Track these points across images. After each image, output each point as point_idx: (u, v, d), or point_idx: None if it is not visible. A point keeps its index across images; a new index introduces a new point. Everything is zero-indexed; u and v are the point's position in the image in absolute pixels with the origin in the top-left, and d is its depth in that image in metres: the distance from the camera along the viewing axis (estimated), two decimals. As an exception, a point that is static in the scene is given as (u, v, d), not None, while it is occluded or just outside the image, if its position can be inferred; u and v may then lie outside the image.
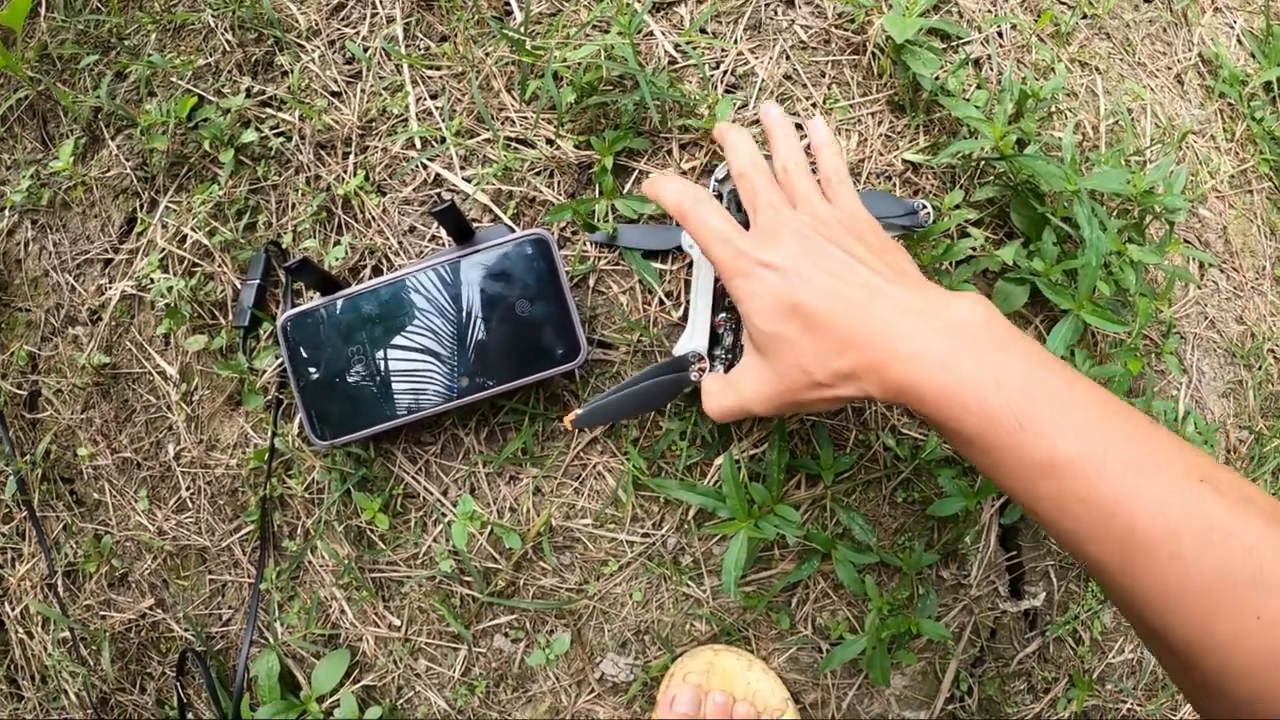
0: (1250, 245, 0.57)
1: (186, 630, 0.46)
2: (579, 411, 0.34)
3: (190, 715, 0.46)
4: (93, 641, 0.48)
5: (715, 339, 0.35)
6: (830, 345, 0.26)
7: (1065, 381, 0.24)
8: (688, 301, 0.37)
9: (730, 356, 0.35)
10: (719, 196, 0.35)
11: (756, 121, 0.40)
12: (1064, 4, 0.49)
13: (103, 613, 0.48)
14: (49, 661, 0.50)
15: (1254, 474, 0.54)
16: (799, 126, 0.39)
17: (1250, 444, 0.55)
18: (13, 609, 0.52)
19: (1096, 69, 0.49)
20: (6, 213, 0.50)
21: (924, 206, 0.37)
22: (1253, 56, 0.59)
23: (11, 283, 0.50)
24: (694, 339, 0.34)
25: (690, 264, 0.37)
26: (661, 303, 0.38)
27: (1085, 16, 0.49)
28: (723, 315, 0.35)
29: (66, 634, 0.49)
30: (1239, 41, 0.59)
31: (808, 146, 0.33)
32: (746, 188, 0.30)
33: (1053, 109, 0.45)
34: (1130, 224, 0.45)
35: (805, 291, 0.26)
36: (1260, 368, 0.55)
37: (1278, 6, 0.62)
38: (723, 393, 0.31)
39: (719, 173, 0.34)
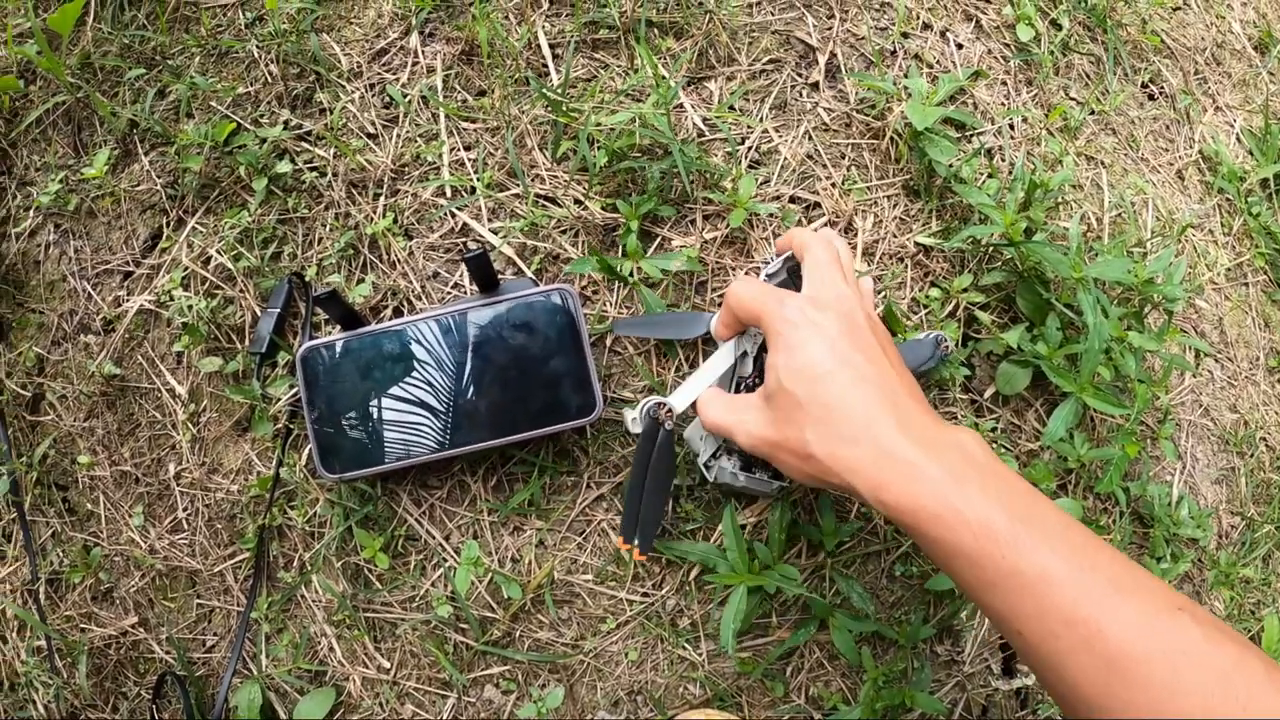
0: (1245, 336, 0.59)
1: (168, 653, 0.46)
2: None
3: (161, 740, 0.45)
4: (69, 653, 0.47)
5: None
6: (841, 433, 0.27)
7: (1054, 511, 0.25)
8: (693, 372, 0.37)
9: (747, 454, 0.35)
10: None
11: (778, 198, 0.42)
12: (1074, 100, 0.52)
13: (83, 625, 0.48)
14: (20, 669, 0.49)
15: (1245, 559, 0.56)
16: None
17: (1242, 529, 0.57)
18: (-12, 613, 0.51)
19: (1102, 163, 0.51)
20: (31, 213, 0.51)
21: (944, 339, 0.38)
22: (1251, 154, 0.62)
23: (28, 283, 0.51)
24: (678, 395, 0.34)
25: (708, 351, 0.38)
26: (679, 368, 0.39)
27: (1093, 112, 0.52)
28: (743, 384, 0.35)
29: (42, 643, 0.48)
30: (1238, 139, 0.62)
31: None
32: (812, 257, 0.30)
33: (1060, 200, 0.47)
34: (1131, 312, 0.47)
35: (840, 367, 0.26)
36: (1253, 455, 0.57)
37: (1276, 106, 0.66)
38: (722, 408, 0.31)
39: (769, 268, 0.35)
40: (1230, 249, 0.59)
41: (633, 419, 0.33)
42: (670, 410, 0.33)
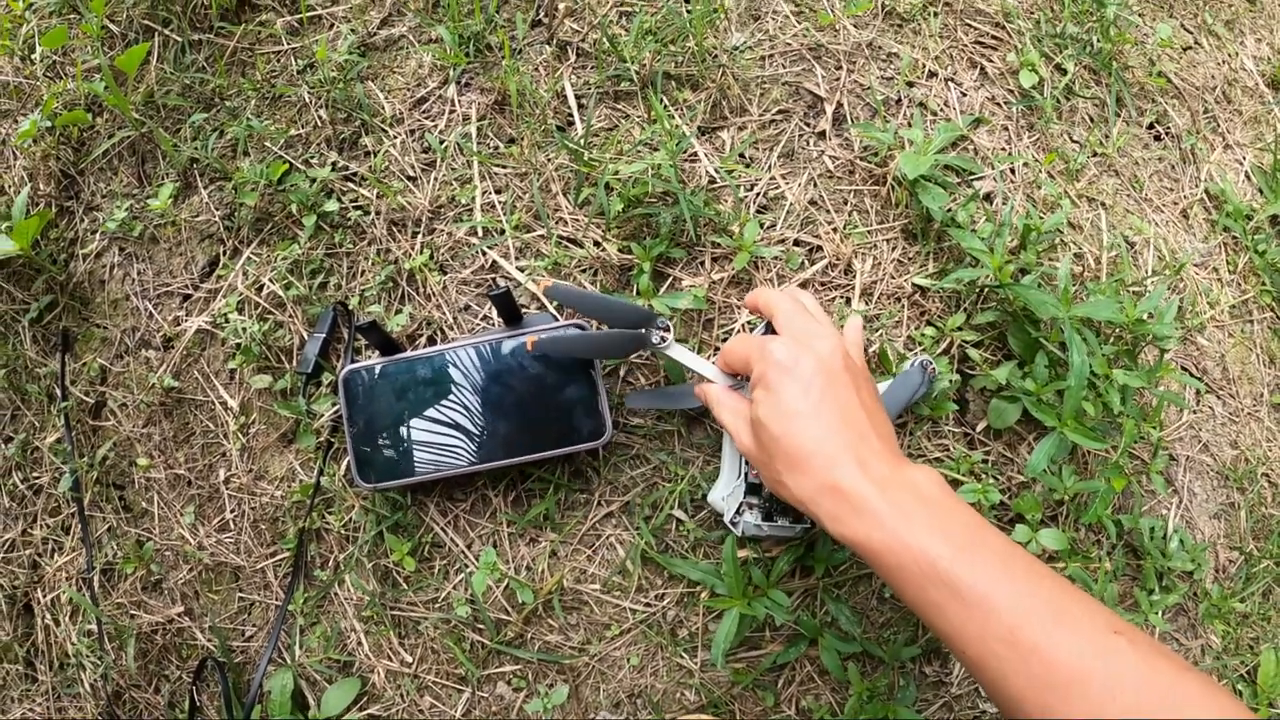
0: (1249, 373, 0.62)
1: (210, 640, 0.52)
2: (541, 337, 0.39)
3: (199, 719, 0.52)
4: (118, 636, 0.54)
5: (753, 488, 0.41)
6: (807, 470, 0.31)
7: (1000, 540, 0.30)
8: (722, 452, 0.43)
9: (769, 505, 0.41)
10: None
11: (781, 241, 0.47)
12: (1076, 143, 0.56)
13: (133, 612, 0.55)
14: (70, 650, 0.56)
15: (1243, 593, 0.59)
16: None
17: (1240, 564, 0.60)
18: (44, 595, 0.58)
19: (1103, 204, 0.55)
20: (97, 237, 0.58)
21: (929, 362, 0.43)
22: (1260, 192, 0.65)
23: (93, 300, 0.58)
24: (728, 485, 0.41)
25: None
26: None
27: (1095, 154, 0.56)
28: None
29: (93, 627, 0.56)
30: (1247, 177, 0.65)
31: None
32: (781, 311, 0.34)
33: (1057, 241, 0.52)
34: (1123, 349, 0.51)
35: (812, 409, 0.31)
36: (1253, 491, 0.60)
37: (1292, 144, 0.69)
38: (729, 412, 0.35)
39: (756, 333, 0.40)
40: (1235, 286, 0.62)
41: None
42: (666, 335, 0.39)
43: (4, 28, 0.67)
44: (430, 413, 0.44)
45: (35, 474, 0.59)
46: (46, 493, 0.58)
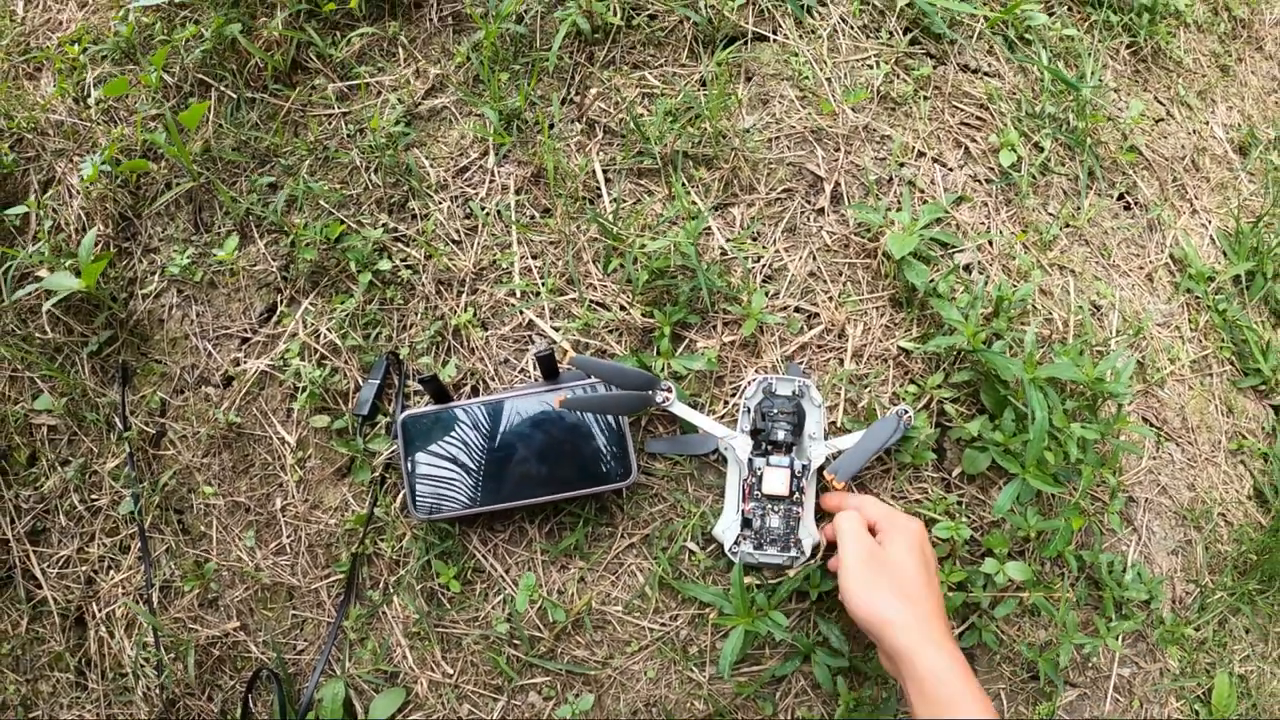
0: (1208, 422, 0.73)
1: (264, 653, 0.62)
2: (568, 395, 0.51)
3: (250, 726, 0.61)
4: (176, 648, 0.64)
5: (746, 522, 0.53)
6: (903, 596, 0.46)
7: (976, 687, 0.43)
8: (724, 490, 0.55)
9: (759, 538, 0.52)
10: (747, 412, 0.53)
11: (784, 309, 0.57)
12: (1050, 215, 0.67)
13: (190, 626, 0.64)
14: (126, 660, 0.66)
15: (1197, 621, 0.70)
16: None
17: (1195, 595, 0.71)
18: (99, 609, 0.68)
19: (1073, 271, 0.66)
20: (156, 278, 0.68)
21: (905, 411, 0.53)
22: (1224, 254, 0.76)
23: (151, 337, 0.68)
24: (728, 521, 0.53)
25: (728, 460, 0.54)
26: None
27: (1067, 226, 0.67)
28: (751, 504, 0.52)
29: (149, 640, 0.65)
30: (1212, 240, 0.76)
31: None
32: (882, 515, 0.50)
33: (1028, 307, 0.62)
34: (1084, 404, 0.62)
35: (918, 564, 0.48)
36: (1209, 529, 0.71)
37: (1255, 205, 0.80)
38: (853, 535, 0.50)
39: (749, 402, 0.53)
40: (1196, 343, 0.73)
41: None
42: (669, 395, 0.52)
43: (62, 72, 0.76)
44: (476, 454, 0.54)
45: (94, 496, 0.68)
46: (105, 514, 0.68)
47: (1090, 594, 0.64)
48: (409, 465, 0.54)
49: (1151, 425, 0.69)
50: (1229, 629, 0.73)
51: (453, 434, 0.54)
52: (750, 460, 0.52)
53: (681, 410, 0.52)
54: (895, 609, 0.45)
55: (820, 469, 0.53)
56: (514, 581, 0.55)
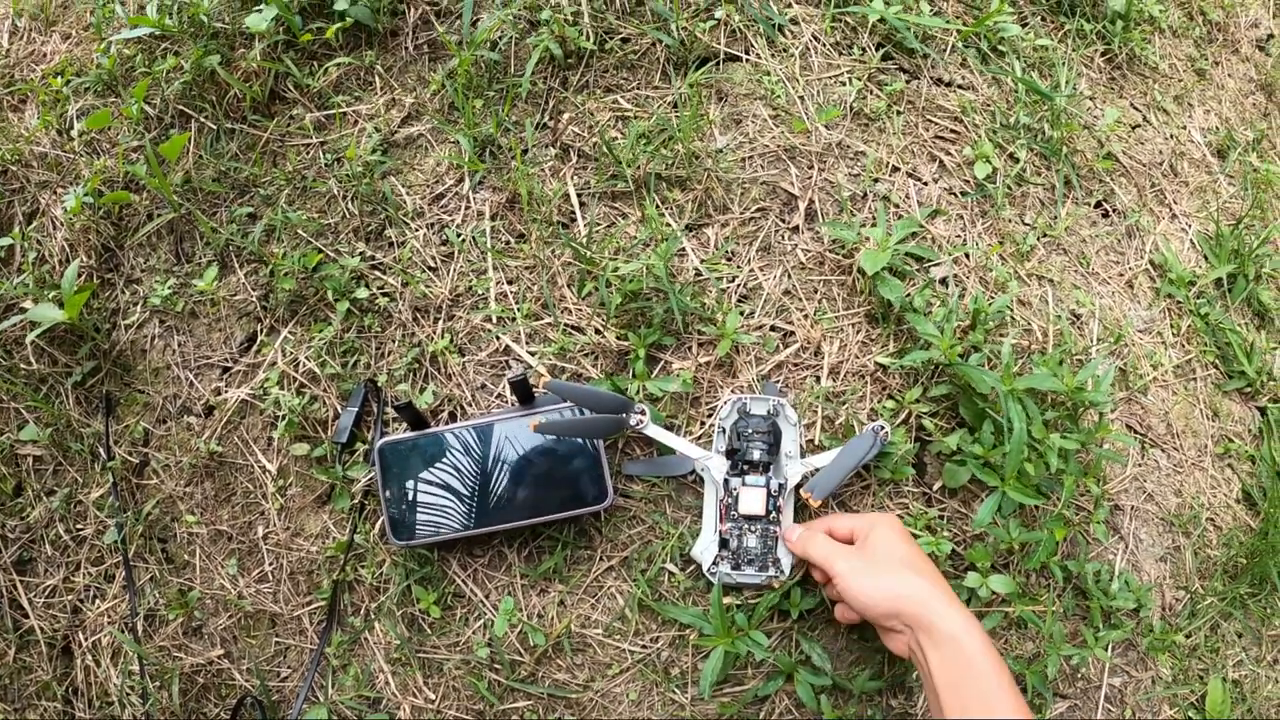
0: (1193, 427, 0.73)
1: (248, 680, 0.62)
2: (543, 420, 0.51)
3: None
4: (160, 676, 0.64)
5: (724, 543, 0.53)
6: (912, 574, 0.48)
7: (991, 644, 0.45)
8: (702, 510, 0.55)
9: (736, 557, 0.52)
10: (722, 432, 0.53)
11: (759, 328, 0.57)
12: (1027, 225, 0.67)
13: (175, 655, 0.64)
14: (112, 688, 0.66)
15: (1188, 628, 0.70)
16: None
17: (1185, 602, 0.70)
18: (85, 638, 0.68)
19: (1050, 280, 0.66)
20: (138, 308, 0.68)
21: (882, 428, 0.54)
22: (1205, 258, 0.77)
23: (134, 367, 0.68)
24: (706, 541, 0.53)
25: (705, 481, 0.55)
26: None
27: (1044, 235, 0.67)
28: (729, 525, 0.52)
29: (135, 668, 0.65)
30: (1193, 244, 0.76)
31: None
32: (868, 524, 0.51)
33: (1005, 319, 0.62)
34: (1065, 414, 0.62)
35: (912, 549, 0.50)
36: (1198, 534, 0.71)
37: (1235, 208, 0.80)
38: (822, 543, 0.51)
39: (724, 422, 0.53)
40: (1179, 348, 0.73)
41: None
42: (643, 419, 0.52)
43: (45, 104, 0.77)
44: (454, 480, 0.54)
45: (79, 526, 0.69)
46: (90, 544, 0.68)
47: (1077, 604, 0.64)
48: (387, 493, 0.54)
49: (1135, 432, 0.69)
50: (1221, 634, 0.72)
51: (429, 460, 0.54)
52: (726, 480, 0.52)
53: (656, 433, 0.52)
54: (905, 582, 0.47)
55: (797, 487, 0.53)
56: (494, 606, 0.55)
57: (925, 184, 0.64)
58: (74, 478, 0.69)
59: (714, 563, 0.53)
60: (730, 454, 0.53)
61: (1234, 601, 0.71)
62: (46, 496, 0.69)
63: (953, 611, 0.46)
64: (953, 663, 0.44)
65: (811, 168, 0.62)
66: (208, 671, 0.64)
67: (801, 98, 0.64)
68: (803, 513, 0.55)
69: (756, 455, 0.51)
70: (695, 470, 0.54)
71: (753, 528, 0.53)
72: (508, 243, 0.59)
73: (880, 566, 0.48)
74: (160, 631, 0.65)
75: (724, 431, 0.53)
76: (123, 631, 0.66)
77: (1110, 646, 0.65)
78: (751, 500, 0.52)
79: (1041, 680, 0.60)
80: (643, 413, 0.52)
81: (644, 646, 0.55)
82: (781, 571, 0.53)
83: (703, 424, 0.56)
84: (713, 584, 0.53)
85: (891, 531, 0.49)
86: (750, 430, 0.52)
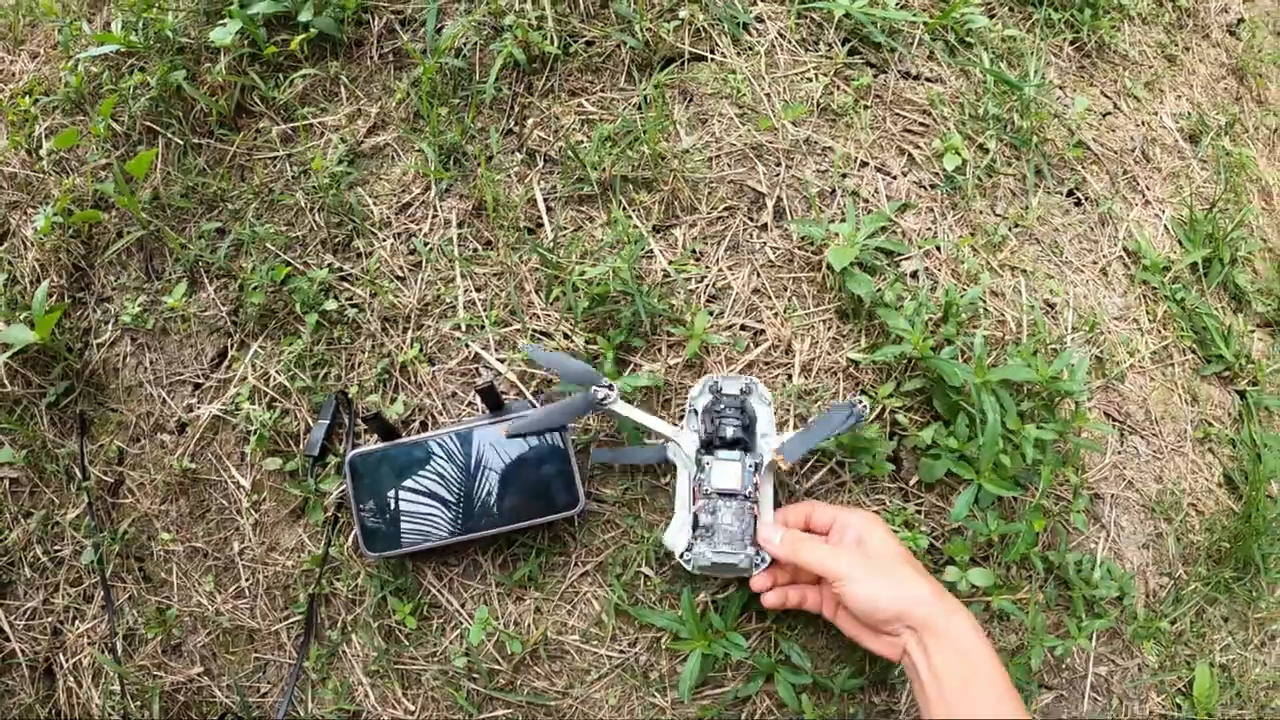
0: (1172, 412, 0.73)
1: (228, 697, 0.62)
2: (511, 423, 0.50)
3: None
4: (140, 696, 0.64)
5: (695, 522, 0.51)
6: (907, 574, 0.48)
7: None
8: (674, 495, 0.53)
9: (710, 534, 0.50)
10: (694, 413, 0.52)
11: (729, 328, 0.57)
12: (999, 216, 0.67)
13: (155, 674, 0.64)
14: (95, 709, 0.66)
15: (1173, 614, 0.69)
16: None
17: (1169, 588, 0.70)
18: (66, 660, 0.68)
19: (1024, 271, 0.66)
20: (110, 327, 0.68)
21: (860, 402, 0.52)
22: (1179, 243, 0.77)
23: (108, 386, 0.68)
24: (679, 524, 0.51)
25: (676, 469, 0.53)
26: (647, 471, 0.55)
27: (1015, 226, 0.67)
28: (702, 501, 0.50)
29: (116, 688, 0.65)
30: (1166, 230, 0.76)
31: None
32: (854, 521, 0.51)
33: (979, 310, 0.62)
34: (1041, 405, 0.62)
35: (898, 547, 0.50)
36: (1180, 520, 0.71)
37: (1209, 192, 0.80)
38: (817, 546, 0.50)
39: (696, 403, 0.52)
40: (1155, 334, 0.73)
41: (673, 454, 0.52)
42: (608, 395, 0.50)
43: (14, 124, 0.77)
44: (426, 490, 0.54)
45: (56, 547, 0.68)
46: (68, 565, 0.68)
47: (1060, 595, 0.64)
48: (359, 504, 0.54)
49: (1114, 420, 0.69)
50: (1207, 619, 0.72)
51: (400, 471, 0.54)
52: (698, 459, 0.50)
53: (624, 409, 0.50)
54: (912, 584, 0.47)
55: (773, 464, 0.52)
56: (470, 615, 0.55)
57: (894, 178, 0.64)
58: (50, 499, 0.69)
59: (688, 547, 0.50)
60: (706, 442, 0.50)
61: (1219, 586, 0.71)
62: (24, 519, 0.69)
63: (959, 613, 0.46)
64: (962, 663, 0.45)
65: (779, 165, 0.61)
66: (188, 689, 0.63)
67: (768, 95, 0.64)
68: (783, 498, 0.54)
69: (730, 432, 0.49)
70: (667, 458, 0.53)
71: (728, 504, 0.50)
72: (475, 250, 0.59)
73: (885, 571, 0.48)
74: (140, 650, 0.65)
75: (696, 412, 0.52)
76: (103, 652, 0.65)
77: (1094, 636, 0.65)
78: (726, 474, 0.49)
79: (1025, 672, 0.60)
80: (609, 387, 0.49)
81: (622, 651, 0.55)
82: (764, 559, 0.51)
83: (675, 424, 0.56)
84: (688, 580, 0.52)
85: (886, 531, 0.50)
86: (723, 407, 0.50)
